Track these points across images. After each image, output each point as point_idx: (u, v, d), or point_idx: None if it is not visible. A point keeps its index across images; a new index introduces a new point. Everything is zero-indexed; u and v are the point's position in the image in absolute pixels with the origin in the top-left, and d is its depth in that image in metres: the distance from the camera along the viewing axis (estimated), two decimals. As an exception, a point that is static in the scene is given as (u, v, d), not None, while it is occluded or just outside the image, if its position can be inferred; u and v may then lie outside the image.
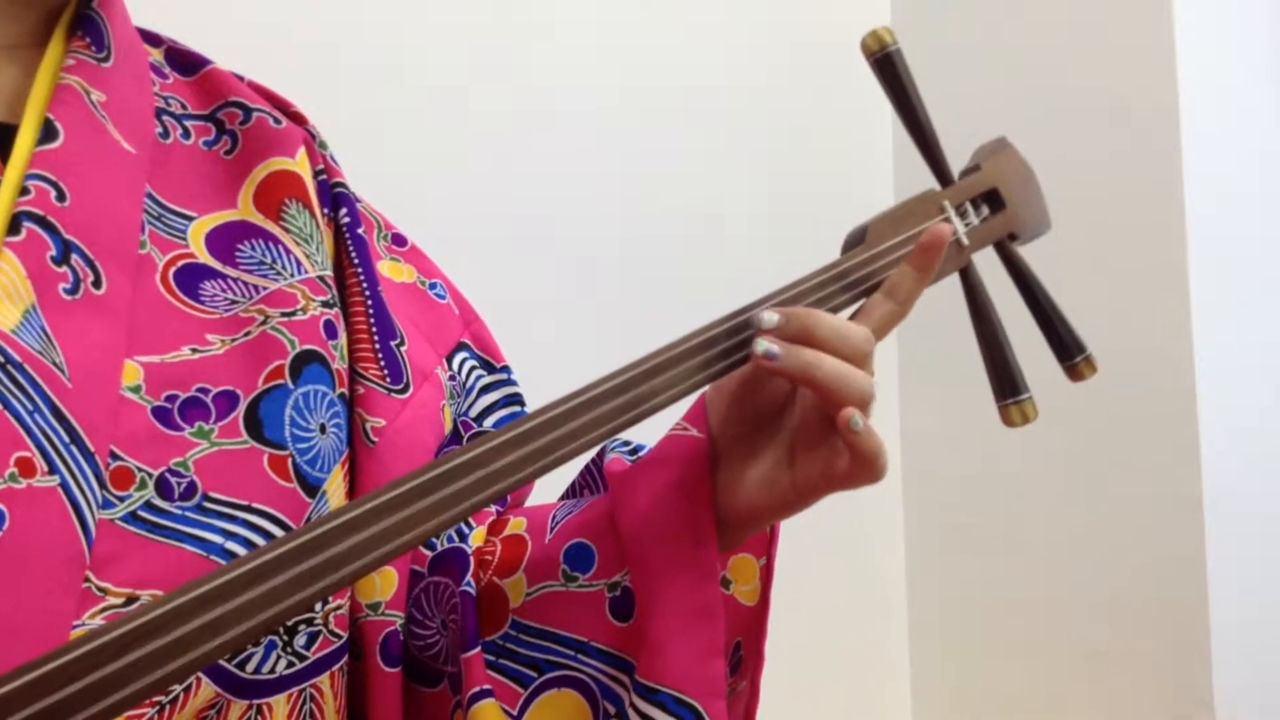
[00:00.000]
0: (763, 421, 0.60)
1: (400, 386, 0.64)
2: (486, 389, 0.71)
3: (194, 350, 0.56)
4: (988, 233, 0.66)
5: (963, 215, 0.65)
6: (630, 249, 1.37)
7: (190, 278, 0.58)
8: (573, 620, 0.61)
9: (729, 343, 0.56)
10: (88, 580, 0.49)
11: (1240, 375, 1.37)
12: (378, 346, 0.63)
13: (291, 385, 0.57)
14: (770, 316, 0.56)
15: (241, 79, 0.68)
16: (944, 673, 1.58)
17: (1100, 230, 1.36)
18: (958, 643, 1.56)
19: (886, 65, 0.64)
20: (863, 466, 0.55)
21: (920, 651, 1.60)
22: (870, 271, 0.60)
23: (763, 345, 0.55)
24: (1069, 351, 0.66)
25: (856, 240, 0.61)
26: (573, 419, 0.51)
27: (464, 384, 0.69)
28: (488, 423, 0.70)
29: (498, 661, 0.62)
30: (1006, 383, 0.63)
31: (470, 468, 0.48)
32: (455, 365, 0.69)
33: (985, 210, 0.66)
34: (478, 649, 0.61)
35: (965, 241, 0.64)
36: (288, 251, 0.62)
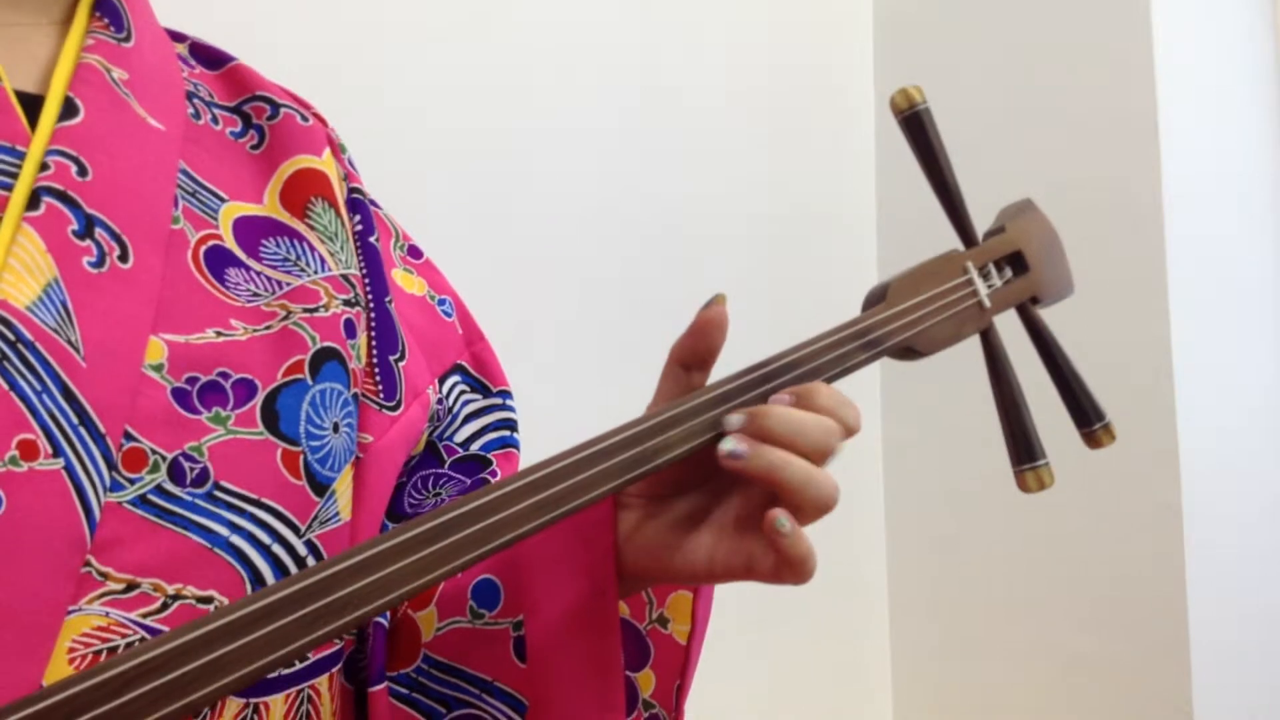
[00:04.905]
0: (689, 487, 0.58)
1: (393, 403, 0.63)
2: (475, 414, 0.70)
3: (218, 334, 0.55)
4: (1010, 295, 0.65)
5: (985, 277, 0.64)
6: (631, 270, 1.38)
7: (218, 261, 0.58)
8: (479, 658, 0.61)
9: (744, 398, 0.55)
10: (88, 564, 0.49)
11: (1219, 383, 1.38)
12: (375, 360, 0.63)
13: (310, 381, 0.57)
14: (735, 418, 0.53)
15: (263, 77, 0.68)
16: (926, 680, 1.58)
17: (1079, 238, 1.38)
18: (939, 650, 1.57)
19: (915, 123, 0.63)
20: (788, 568, 0.53)
21: (902, 658, 1.61)
22: (890, 330, 0.60)
23: (729, 445, 0.52)
24: (1088, 419, 0.65)
25: (877, 298, 0.61)
26: (586, 468, 0.50)
27: (449, 408, 0.69)
28: (474, 447, 0.69)
29: (410, 695, 0.62)
30: (1023, 448, 0.63)
31: (481, 514, 0.48)
32: (445, 388, 0.69)
33: (1009, 272, 0.66)
34: (383, 685, 0.61)
35: (987, 304, 0.63)
36: (312, 249, 0.62)
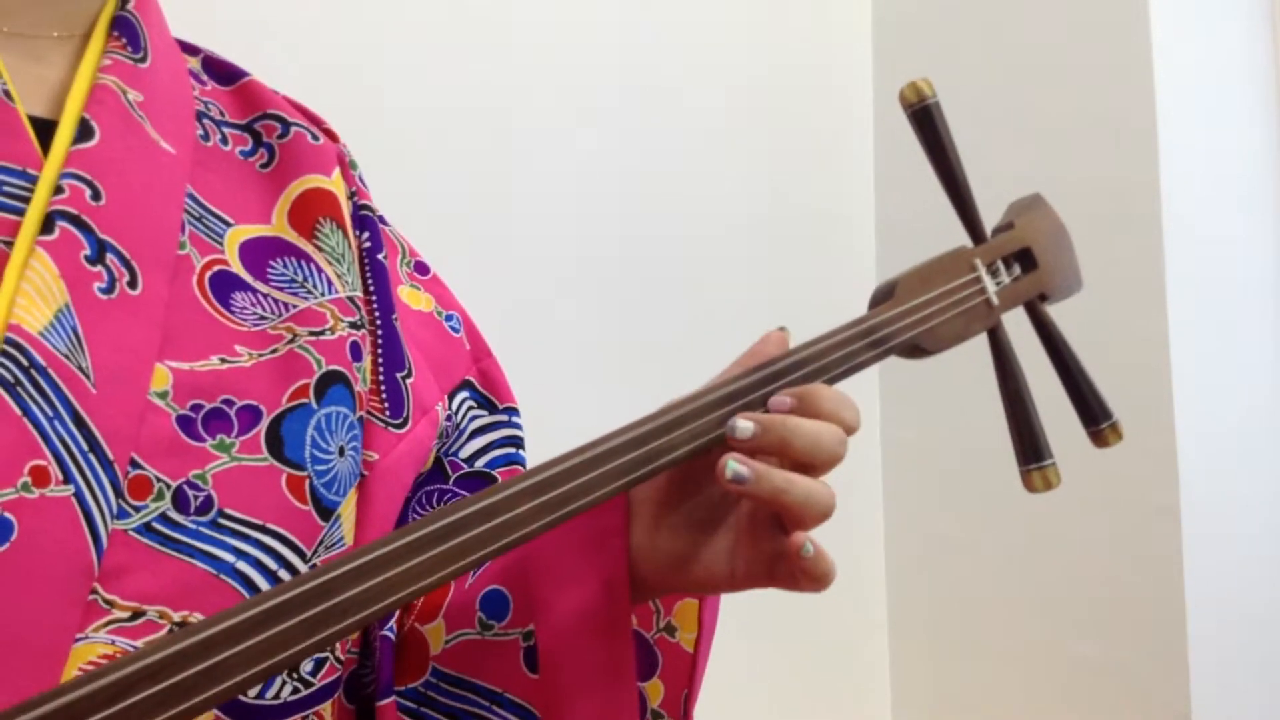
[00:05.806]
0: (698, 487, 0.57)
1: (400, 421, 0.63)
2: (481, 430, 0.69)
3: (223, 360, 0.55)
4: (1018, 292, 0.64)
5: (994, 274, 0.64)
6: (629, 270, 1.37)
7: (223, 286, 0.58)
8: (488, 669, 0.60)
9: (750, 398, 0.54)
10: (94, 592, 0.48)
11: (1217, 386, 1.38)
12: (382, 377, 0.62)
13: (315, 405, 0.57)
14: (745, 426, 0.52)
15: (276, 93, 0.67)
16: (924, 682, 1.57)
17: (1077, 238, 1.39)
18: (938, 652, 1.56)
19: (924, 117, 0.63)
20: (810, 582, 0.54)
21: (901, 660, 1.60)
22: (898, 329, 0.59)
23: (732, 468, 0.51)
24: (1095, 417, 0.65)
25: (885, 296, 0.60)
26: (590, 470, 0.50)
27: (458, 424, 0.68)
28: (480, 463, 0.69)
29: (418, 709, 0.61)
30: (1030, 447, 0.62)
31: (483, 516, 0.47)
32: (454, 404, 0.68)
33: (1017, 269, 0.65)
34: (390, 699, 0.61)
35: (995, 301, 0.63)
36: (319, 270, 0.61)
